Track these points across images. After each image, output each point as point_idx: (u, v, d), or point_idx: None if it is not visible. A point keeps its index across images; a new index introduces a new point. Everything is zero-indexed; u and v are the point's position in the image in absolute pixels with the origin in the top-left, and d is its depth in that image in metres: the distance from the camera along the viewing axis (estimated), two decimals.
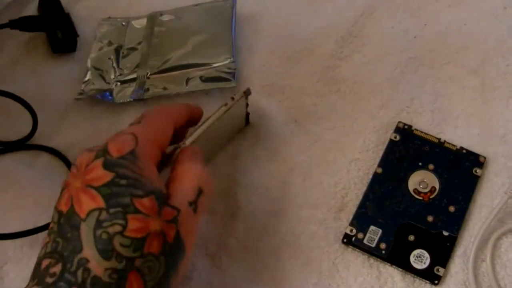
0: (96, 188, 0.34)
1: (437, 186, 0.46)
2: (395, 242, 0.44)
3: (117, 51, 0.56)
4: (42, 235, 0.46)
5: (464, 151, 0.48)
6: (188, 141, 0.42)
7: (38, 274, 0.33)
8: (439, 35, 0.55)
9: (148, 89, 0.53)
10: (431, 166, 0.47)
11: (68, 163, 0.50)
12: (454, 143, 0.48)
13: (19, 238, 0.45)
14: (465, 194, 0.46)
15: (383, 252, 0.44)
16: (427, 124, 0.50)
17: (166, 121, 0.40)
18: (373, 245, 0.44)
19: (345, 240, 0.44)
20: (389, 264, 0.43)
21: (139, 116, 0.40)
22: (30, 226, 0.45)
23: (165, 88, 0.52)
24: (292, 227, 0.46)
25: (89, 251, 0.32)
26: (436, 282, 0.42)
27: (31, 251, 0.46)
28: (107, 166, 0.34)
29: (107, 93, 0.53)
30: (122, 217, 0.33)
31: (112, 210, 0.33)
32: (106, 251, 0.32)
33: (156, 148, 0.38)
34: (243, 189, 0.48)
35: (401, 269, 0.43)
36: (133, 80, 0.53)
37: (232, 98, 0.45)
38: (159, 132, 0.39)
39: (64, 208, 0.34)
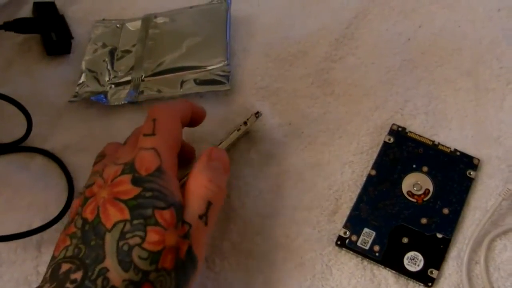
0: (124, 201, 0.35)
1: (431, 188, 0.46)
2: (389, 244, 0.44)
3: (112, 53, 0.56)
4: (36, 238, 0.46)
5: (458, 153, 0.48)
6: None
7: (56, 278, 0.34)
8: (433, 37, 0.55)
9: (142, 92, 0.52)
10: (425, 168, 0.47)
11: (62, 166, 0.50)
12: (448, 145, 0.48)
13: (13, 241, 0.45)
14: (459, 196, 0.46)
15: (377, 254, 0.44)
16: (421, 126, 0.50)
17: (177, 124, 0.41)
18: (367, 248, 0.44)
19: (338, 243, 0.44)
20: (382, 266, 0.43)
21: (147, 119, 0.40)
22: (24, 228, 0.45)
23: (159, 91, 0.52)
24: (286, 229, 0.46)
25: (110, 261, 0.33)
26: (430, 284, 0.42)
27: (25, 254, 0.46)
28: (135, 182, 0.36)
29: (102, 96, 0.53)
30: (142, 228, 0.34)
31: (135, 222, 0.34)
32: (126, 263, 0.33)
33: (175, 157, 0.39)
34: (237, 192, 0.48)
35: (394, 272, 0.43)
36: (128, 82, 0.53)
37: (245, 123, 0.47)
38: (174, 138, 0.40)
39: (89, 216, 0.35)
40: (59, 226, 0.46)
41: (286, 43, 0.56)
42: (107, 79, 0.54)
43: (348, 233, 0.45)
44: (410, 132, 0.49)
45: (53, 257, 0.36)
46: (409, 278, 0.43)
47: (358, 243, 0.44)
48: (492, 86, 0.52)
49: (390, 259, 0.44)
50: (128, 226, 0.34)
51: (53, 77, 0.56)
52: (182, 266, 0.35)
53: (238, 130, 0.47)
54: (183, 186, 0.39)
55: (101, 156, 0.44)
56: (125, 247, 0.33)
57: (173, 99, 0.52)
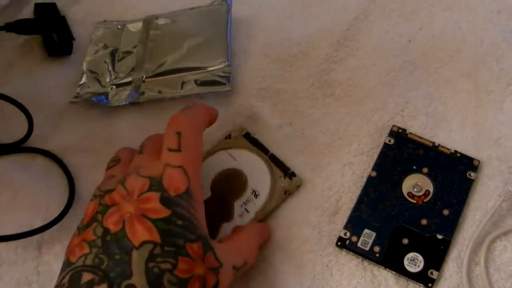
0: (153, 221, 0.35)
1: (431, 190, 0.47)
2: (389, 245, 0.44)
3: (113, 54, 0.56)
4: (37, 238, 0.46)
5: (458, 154, 0.48)
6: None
7: (78, 287, 0.33)
8: (433, 39, 0.55)
9: (143, 93, 0.53)
10: (425, 170, 0.47)
11: (63, 166, 0.50)
12: (448, 147, 0.49)
13: (13, 241, 0.45)
14: (459, 197, 0.46)
15: (377, 255, 0.44)
16: (421, 127, 0.50)
17: (201, 139, 0.41)
18: (367, 248, 0.44)
19: (339, 244, 0.45)
20: (383, 267, 0.44)
21: (171, 131, 0.39)
22: (25, 228, 0.45)
23: (160, 92, 0.52)
24: (286, 230, 0.46)
25: (138, 280, 0.33)
26: (430, 285, 0.42)
27: (26, 254, 0.46)
28: (164, 202, 0.36)
29: (103, 96, 0.53)
30: (173, 256, 0.34)
31: (166, 248, 0.34)
32: (156, 284, 0.33)
33: (199, 174, 0.39)
34: None
35: (395, 272, 0.43)
36: (129, 83, 0.53)
37: (285, 194, 0.47)
38: (199, 156, 0.40)
39: (112, 227, 0.35)
40: (60, 226, 0.46)
41: (286, 44, 0.56)
42: (108, 80, 0.54)
43: (348, 234, 0.45)
44: (411, 133, 0.49)
45: (69, 262, 0.35)
46: (409, 279, 0.43)
47: (359, 244, 0.44)
48: (492, 87, 0.52)
49: (390, 260, 0.44)
50: (158, 250, 0.34)
51: (54, 78, 0.56)
52: None
53: (282, 201, 0.47)
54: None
55: (115, 161, 0.43)
56: (156, 270, 0.33)
57: (174, 100, 0.52)
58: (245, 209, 0.46)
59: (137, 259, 0.34)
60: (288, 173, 0.47)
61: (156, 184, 0.37)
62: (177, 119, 0.40)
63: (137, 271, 0.33)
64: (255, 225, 0.45)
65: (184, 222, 0.36)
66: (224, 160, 0.48)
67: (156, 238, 0.34)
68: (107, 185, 0.39)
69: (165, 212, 0.35)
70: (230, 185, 0.47)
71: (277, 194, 0.46)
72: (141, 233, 0.34)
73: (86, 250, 0.35)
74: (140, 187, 0.36)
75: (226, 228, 0.45)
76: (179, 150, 0.38)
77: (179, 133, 0.39)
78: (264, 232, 0.45)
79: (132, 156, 0.42)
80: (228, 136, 0.50)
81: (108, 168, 0.43)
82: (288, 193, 0.47)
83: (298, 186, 0.47)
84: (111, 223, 0.35)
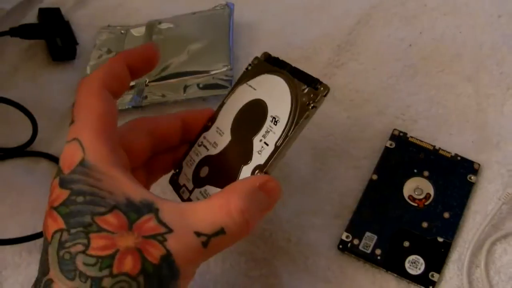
0: (56, 209, 0.32)
1: (432, 193, 0.47)
2: (390, 248, 0.44)
3: None
4: (40, 241, 0.46)
5: (459, 158, 0.48)
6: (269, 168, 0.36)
7: None
8: (434, 43, 0.56)
9: (146, 97, 0.53)
10: (426, 173, 0.48)
11: None
12: (448, 150, 0.49)
13: (17, 244, 0.45)
14: (460, 200, 0.46)
15: (379, 258, 0.44)
16: (422, 131, 0.50)
17: (98, 98, 0.34)
18: (369, 251, 0.44)
19: (340, 246, 0.45)
20: (384, 269, 0.44)
21: (71, 106, 0.36)
22: (29, 232, 0.46)
23: (163, 96, 0.53)
24: (288, 233, 0.46)
25: (53, 272, 0.31)
26: (431, 287, 0.43)
27: (30, 257, 0.46)
28: (62, 184, 0.32)
29: None
30: (83, 236, 0.30)
31: (73, 231, 0.31)
32: (69, 271, 0.30)
33: (108, 141, 0.33)
34: None
35: (396, 275, 0.43)
36: (132, 87, 0.54)
37: (312, 106, 0.36)
38: (98, 118, 0.34)
39: (45, 235, 0.33)
40: None
41: (288, 48, 0.56)
42: None
43: (350, 237, 0.45)
44: (411, 137, 0.50)
45: None
46: (410, 282, 0.43)
47: (360, 247, 0.45)
48: (492, 91, 0.52)
49: (392, 262, 0.44)
50: (66, 235, 0.31)
51: (58, 82, 0.56)
52: (156, 274, 0.30)
53: (306, 117, 0.36)
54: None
55: None
56: (67, 256, 0.30)
57: (177, 104, 0.53)
58: (265, 142, 0.37)
59: (51, 252, 0.31)
60: (313, 84, 0.37)
61: (57, 169, 0.33)
62: (78, 87, 0.35)
63: (52, 264, 0.31)
64: (246, 179, 0.36)
65: (86, 197, 0.31)
66: (243, 94, 0.41)
67: (61, 224, 0.31)
68: None
69: (64, 195, 0.31)
70: (251, 120, 0.39)
71: (299, 111, 0.36)
72: (50, 225, 0.32)
73: None
74: (51, 182, 0.33)
75: (246, 171, 0.37)
76: (73, 121, 0.34)
77: (73, 103, 0.35)
78: (264, 188, 0.35)
79: None
80: (247, 68, 0.42)
81: None
82: (312, 105, 0.36)
83: (325, 95, 0.37)
84: (43, 230, 0.33)
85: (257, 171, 0.36)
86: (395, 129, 0.50)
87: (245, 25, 0.58)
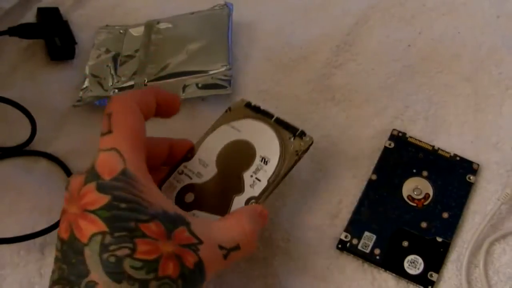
0: (94, 212, 0.33)
1: (431, 193, 0.47)
2: (389, 247, 0.44)
3: (115, 58, 0.56)
4: (39, 240, 0.46)
5: (458, 158, 0.48)
6: (261, 200, 0.42)
7: None
8: (433, 43, 0.56)
9: None
10: (425, 173, 0.48)
11: (66, 169, 0.50)
12: (447, 151, 0.49)
13: (16, 243, 0.45)
14: (459, 200, 0.46)
15: (378, 257, 0.44)
16: (421, 131, 0.50)
17: (136, 115, 0.37)
18: (368, 251, 0.44)
19: (339, 246, 0.45)
20: (383, 269, 0.44)
21: (104, 119, 0.37)
22: (28, 231, 0.46)
23: None
24: (287, 233, 0.46)
25: (96, 274, 0.32)
26: (430, 287, 0.43)
27: (28, 256, 0.46)
28: (101, 189, 0.33)
29: (105, 100, 0.53)
30: (129, 240, 0.32)
31: (117, 234, 0.32)
32: (116, 274, 0.32)
33: (142, 155, 0.36)
34: None
35: (395, 275, 0.44)
36: (131, 87, 0.54)
37: (297, 154, 0.43)
38: (136, 133, 0.37)
39: (65, 236, 0.34)
40: None
41: (287, 48, 0.56)
42: (110, 84, 0.54)
43: (349, 236, 0.45)
44: (410, 137, 0.50)
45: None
46: (409, 281, 0.43)
47: (359, 247, 0.45)
48: (491, 91, 0.52)
49: (391, 262, 0.44)
50: (109, 238, 0.32)
51: (57, 82, 0.56)
52: (191, 277, 0.34)
53: (295, 162, 0.43)
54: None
55: None
56: (112, 259, 0.32)
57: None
58: (256, 178, 0.43)
59: (90, 254, 0.32)
60: (298, 133, 0.44)
61: (91, 174, 0.34)
62: (109, 103, 0.37)
63: (93, 266, 0.32)
64: (250, 206, 0.41)
65: (129, 204, 0.33)
66: (227, 134, 0.45)
67: (102, 227, 0.32)
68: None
69: (104, 199, 0.33)
70: (237, 157, 0.44)
71: (289, 156, 0.43)
72: (86, 228, 0.32)
73: (53, 267, 0.34)
74: (78, 184, 0.34)
75: (239, 201, 0.42)
76: (110, 131, 0.36)
77: (109, 114, 0.36)
78: (261, 215, 0.41)
79: None
80: (228, 109, 0.46)
81: None
82: (300, 154, 0.43)
83: (310, 145, 0.44)
84: (62, 231, 0.34)
85: (252, 201, 0.41)
86: (394, 129, 0.50)
87: (244, 25, 0.58)
